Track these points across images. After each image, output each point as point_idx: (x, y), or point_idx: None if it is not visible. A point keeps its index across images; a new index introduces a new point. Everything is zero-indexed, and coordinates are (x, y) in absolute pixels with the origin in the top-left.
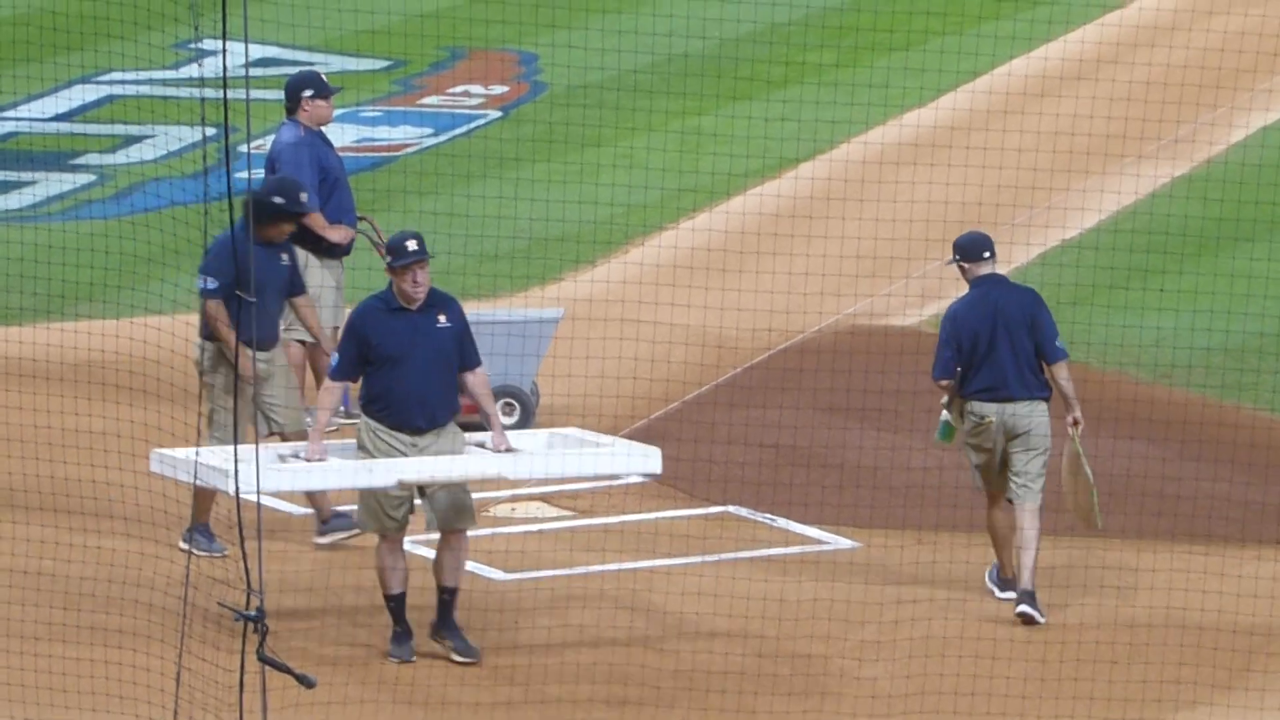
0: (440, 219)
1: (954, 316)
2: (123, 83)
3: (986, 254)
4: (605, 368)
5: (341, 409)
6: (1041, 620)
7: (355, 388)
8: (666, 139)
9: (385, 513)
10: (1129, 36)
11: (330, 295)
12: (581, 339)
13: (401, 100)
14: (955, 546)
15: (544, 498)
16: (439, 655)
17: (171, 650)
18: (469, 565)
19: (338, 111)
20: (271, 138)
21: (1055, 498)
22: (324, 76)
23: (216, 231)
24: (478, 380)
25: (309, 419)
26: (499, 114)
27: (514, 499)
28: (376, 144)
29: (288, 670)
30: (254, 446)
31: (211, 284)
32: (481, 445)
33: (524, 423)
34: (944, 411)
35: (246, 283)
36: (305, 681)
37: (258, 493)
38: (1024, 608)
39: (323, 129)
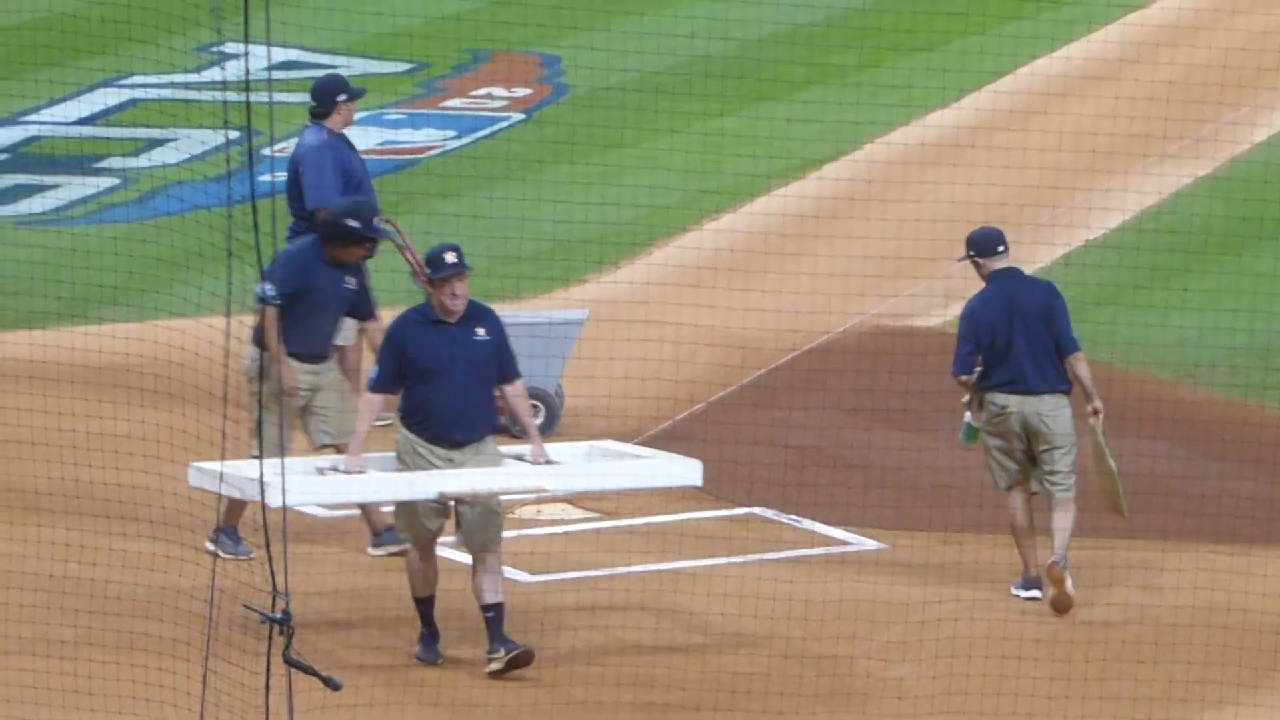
0: (463, 221)
1: (971, 312)
2: (145, 86)
3: (1001, 248)
4: (629, 369)
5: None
6: (1071, 589)
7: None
8: (689, 140)
9: (421, 523)
10: (1151, 36)
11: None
12: (606, 340)
13: (424, 103)
14: (981, 547)
15: (569, 499)
16: (464, 658)
17: (197, 653)
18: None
19: (360, 114)
20: (294, 141)
21: (1082, 498)
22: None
23: (240, 235)
24: (516, 393)
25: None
26: (522, 116)
27: (539, 501)
28: (399, 147)
29: (314, 673)
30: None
31: (270, 291)
32: (519, 458)
33: (549, 424)
34: (966, 413)
35: (302, 295)
36: (331, 684)
37: (284, 507)
38: (1056, 558)
39: (344, 132)
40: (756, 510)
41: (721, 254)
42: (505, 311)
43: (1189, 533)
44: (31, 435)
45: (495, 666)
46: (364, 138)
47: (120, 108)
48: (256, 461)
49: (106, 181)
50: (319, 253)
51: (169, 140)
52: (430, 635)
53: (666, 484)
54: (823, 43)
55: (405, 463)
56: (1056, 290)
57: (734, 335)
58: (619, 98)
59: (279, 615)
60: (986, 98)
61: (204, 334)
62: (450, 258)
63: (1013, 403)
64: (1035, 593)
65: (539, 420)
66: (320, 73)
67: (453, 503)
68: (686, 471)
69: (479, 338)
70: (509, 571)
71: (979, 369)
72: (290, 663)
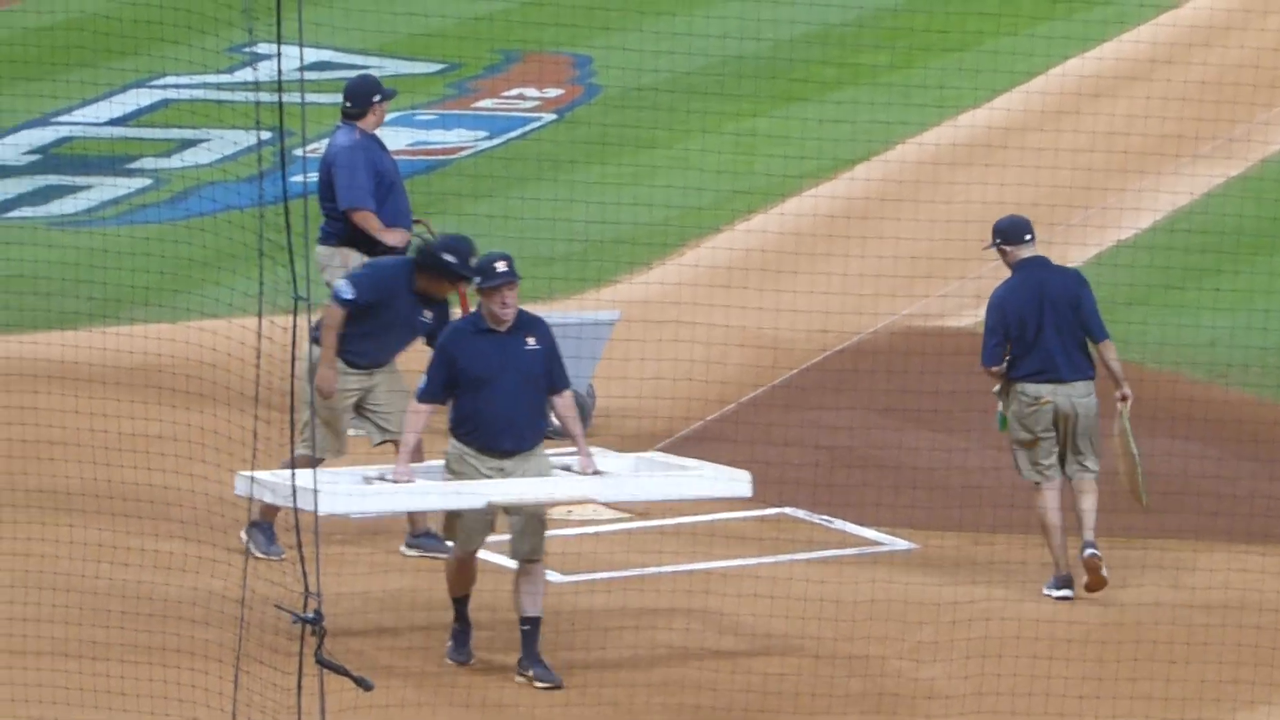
0: (495, 222)
1: (1000, 301)
2: (177, 87)
3: (1028, 236)
4: (661, 370)
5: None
6: (1104, 570)
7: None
8: (721, 141)
9: (469, 535)
10: (1184, 36)
11: None
12: (637, 341)
13: (456, 103)
14: (1012, 547)
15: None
16: (496, 660)
17: (229, 654)
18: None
19: (392, 115)
20: (326, 141)
21: (1113, 499)
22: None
23: (272, 235)
24: (565, 403)
25: None
26: (553, 117)
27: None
28: (431, 147)
29: (346, 673)
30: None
31: (348, 294)
32: (567, 468)
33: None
34: (999, 403)
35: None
36: (363, 684)
37: (315, 513)
38: (1092, 550)
39: (376, 133)
40: (787, 510)
41: (753, 254)
42: (537, 312)
43: (1221, 533)
44: (64, 436)
45: (522, 682)
46: (395, 138)
47: (152, 108)
48: (304, 470)
49: (138, 182)
50: (408, 277)
51: (201, 141)
52: (463, 631)
53: (714, 495)
54: (854, 43)
55: (455, 472)
56: (1084, 278)
57: (765, 336)
58: (651, 98)
59: (311, 616)
60: (1018, 98)
61: (236, 334)
62: (501, 266)
63: (1045, 391)
64: (1067, 592)
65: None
66: (352, 73)
67: (501, 512)
68: (735, 483)
69: (529, 347)
70: None
71: (1007, 359)
72: (322, 663)
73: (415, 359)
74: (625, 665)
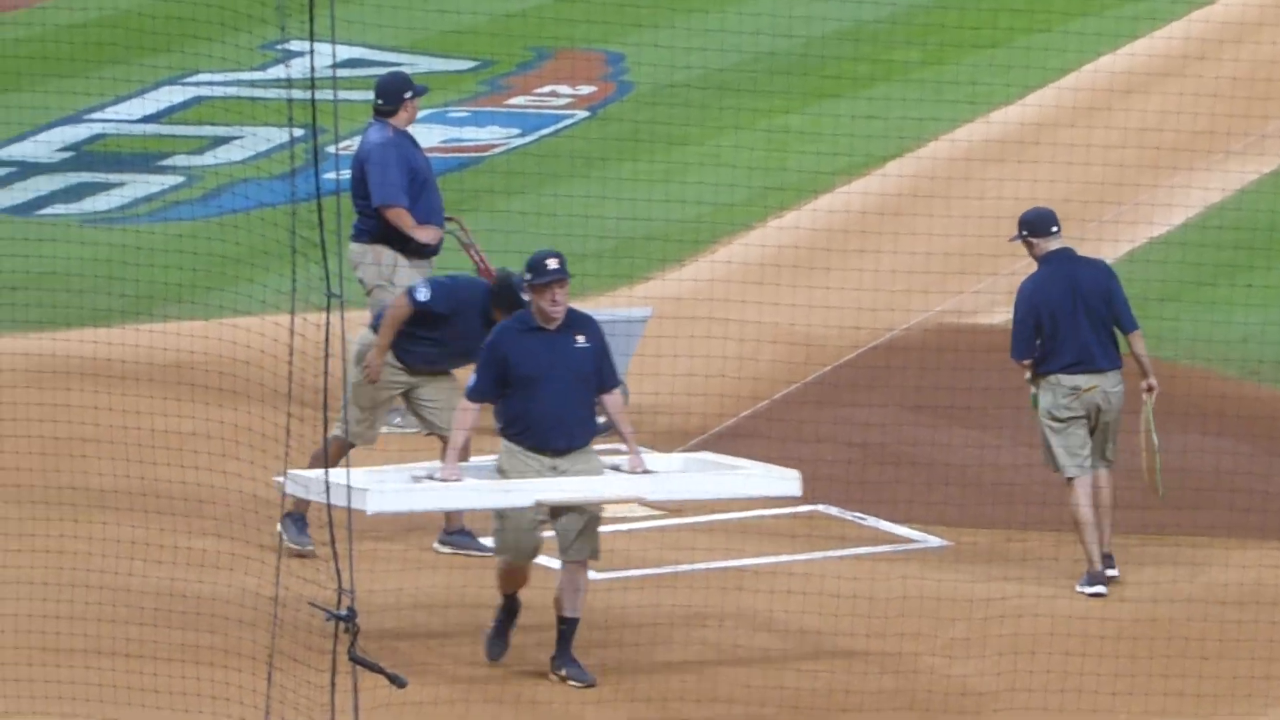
0: (528, 219)
1: (1031, 294)
2: (210, 84)
3: (1054, 228)
4: (694, 366)
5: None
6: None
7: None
8: (754, 137)
9: (522, 542)
10: (1216, 33)
11: None
12: (670, 338)
13: (488, 100)
14: (1045, 544)
15: None
16: (529, 656)
17: (263, 651)
18: (555, 563)
19: (424, 112)
20: (359, 138)
21: (1144, 496)
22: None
23: (305, 232)
24: (615, 401)
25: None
26: (586, 114)
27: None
28: (464, 144)
29: (379, 670)
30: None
31: (422, 295)
32: (616, 468)
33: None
34: (1032, 387)
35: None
36: (397, 681)
37: (348, 507)
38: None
39: (408, 129)
40: (820, 507)
41: (785, 251)
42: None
43: (1253, 529)
44: (97, 433)
45: (555, 681)
46: (428, 136)
47: (185, 105)
48: (351, 471)
49: (171, 179)
50: (484, 303)
51: (234, 138)
52: (504, 623)
53: (764, 494)
54: (887, 39)
55: (506, 470)
56: (1112, 270)
57: (798, 332)
58: (683, 95)
59: (344, 613)
60: (1051, 94)
61: (269, 331)
62: (552, 264)
63: (1082, 381)
64: (1100, 588)
65: (602, 419)
66: (384, 70)
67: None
68: (784, 482)
69: (579, 345)
70: None
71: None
72: (356, 660)
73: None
74: (658, 662)
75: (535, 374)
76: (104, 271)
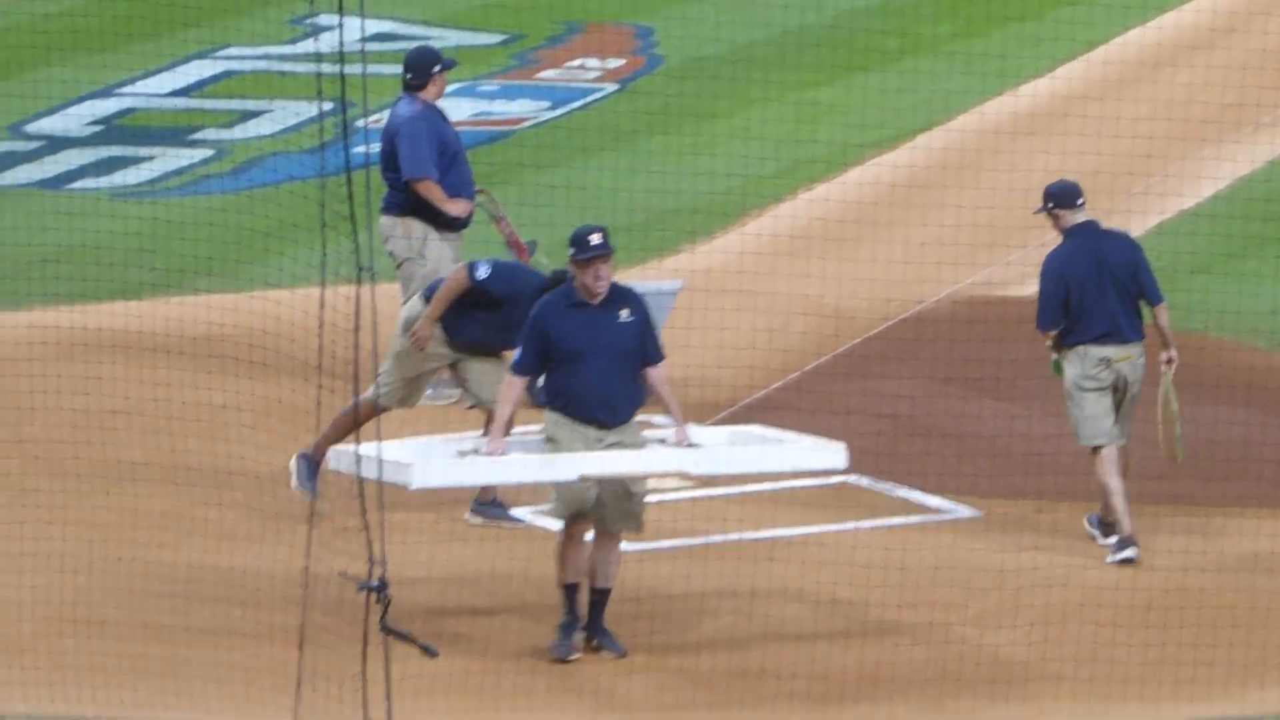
0: (558, 192)
1: (1058, 267)
2: (240, 58)
3: (1080, 200)
4: (724, 339)
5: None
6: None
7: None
8: (783, 110)
9: (579, 492)
10: (1245, 4)
11: (448, 268)
12: (700, 310)
13: (518, 74)
14: (1076, 515)
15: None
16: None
17: (294, 622)
18: (588, 536)
19: (454, 86)
20: (388, 112)
21: (1174, 468)
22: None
23: (335, 206)
24: (659, 376)
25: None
26: (616, 87)
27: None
28: (494, 118)
29: (411, 640)
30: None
31: (481, 273)
32: (662, 441)
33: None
34: (1054, 353)
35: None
36: (429, 651)
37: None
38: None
39: (438, 103)
40: (851, 479)
41: (815, 224)
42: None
43: None
44: (127, 405)
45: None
46: (458, 109)
47: (214, 79)
48: (400, 443)
49: (201, 153)
50: (537, 295)
51: (264, 112)
52: (570, 624)
53: (810, 467)
54: (916, 13)
55: (554, 439)
56: (1137, 243)
57: (828, 305)
58: (713, 68)
59: (376, 583)
60: (1081, 67)
61: (299, 304)
62: (595, 239)
63: (1112, 353)
64: (1131, 551)
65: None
66: (414, 44)
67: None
68: (831, 454)
69: (623, 319)
70: None
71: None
72: (387, 630)
73: None
74: (689, 633)
75: (579, 350)
76: (134, 245)
